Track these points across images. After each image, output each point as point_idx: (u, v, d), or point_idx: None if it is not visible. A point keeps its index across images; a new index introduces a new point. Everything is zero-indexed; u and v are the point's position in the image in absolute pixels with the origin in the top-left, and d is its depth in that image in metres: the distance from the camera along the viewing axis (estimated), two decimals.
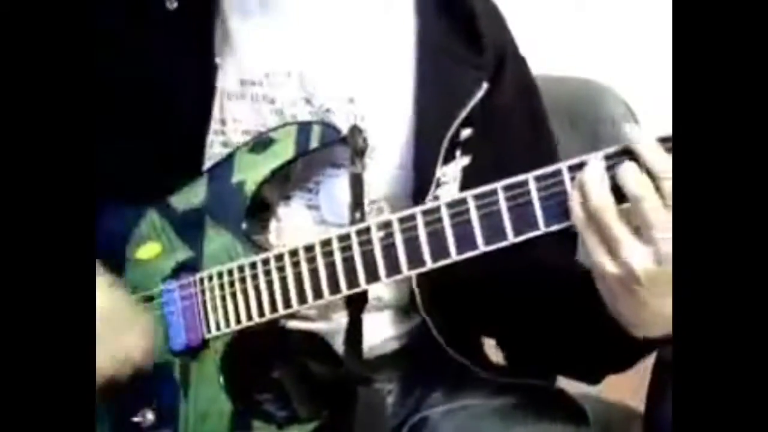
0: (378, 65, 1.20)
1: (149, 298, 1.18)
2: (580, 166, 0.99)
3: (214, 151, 1.19)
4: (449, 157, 1.17)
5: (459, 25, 1.21)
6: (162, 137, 1.16)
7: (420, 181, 1.15)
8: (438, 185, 1.16)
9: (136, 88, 1.17)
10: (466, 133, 1.19)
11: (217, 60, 1.18)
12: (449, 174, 1.18)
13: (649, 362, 1.30)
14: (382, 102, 1.18)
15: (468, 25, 1.21)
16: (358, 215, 1.12)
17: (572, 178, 0.99)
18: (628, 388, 1.37)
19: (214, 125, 1.19)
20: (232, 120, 1.19)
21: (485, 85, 1.18)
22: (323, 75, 1.18)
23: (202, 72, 1.18)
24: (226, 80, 1.19)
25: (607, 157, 0.98)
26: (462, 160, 1.20)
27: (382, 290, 1.21)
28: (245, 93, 1.19)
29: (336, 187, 1.18)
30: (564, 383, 1.28)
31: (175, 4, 1.17)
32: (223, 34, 1.20)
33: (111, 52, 1.14)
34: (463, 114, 1.16)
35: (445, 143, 1.16)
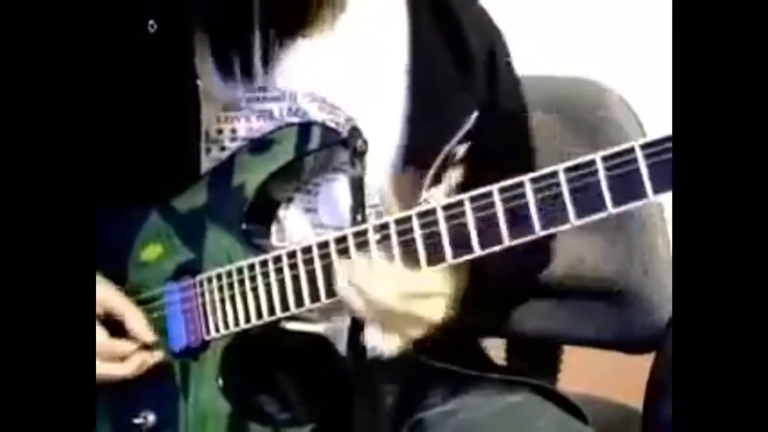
0: (372, 86, 1.20)
1: (151, 300, 1.18)
2: (578, 167, 0.99)
3: (212, 155, 1.19)
4: (435, 181, 1.19)
5: (452, 48, 1.23)
6: (153, 147, 1.17)
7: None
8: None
9: (123, 105, 1.18)
10: (462, 149, 1.21)
11: (198, 81, 1.18)
12: (435, 196, 1.19)
13: (648, 362, 1.30)
14: (373, 125, 1.18)
15: (460, 46, 1.23)
16: (359, 218, 1.12)
17: (569, 180, 0.99)
18: (628, 388, 1.37)
19: (212, 134, 1.19)
20: (230, 130, 1.19)
21: (475, 114, 1.20)
22: (316, 95, 1.19)
23: (184, 91, 1.17)
24: (220, 95, 1.19)
25: (605, 159, 0.98)
26: (453, 175, 1.22)
27: None
28: (240, 107, 1.19)
29: (335, 190, 1.18)
30: (564, 383, 1.28)
31: (156, 27, 1.18)
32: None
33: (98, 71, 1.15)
34: (450, 146, 1.19)
35: (432, 171, 1.18)
